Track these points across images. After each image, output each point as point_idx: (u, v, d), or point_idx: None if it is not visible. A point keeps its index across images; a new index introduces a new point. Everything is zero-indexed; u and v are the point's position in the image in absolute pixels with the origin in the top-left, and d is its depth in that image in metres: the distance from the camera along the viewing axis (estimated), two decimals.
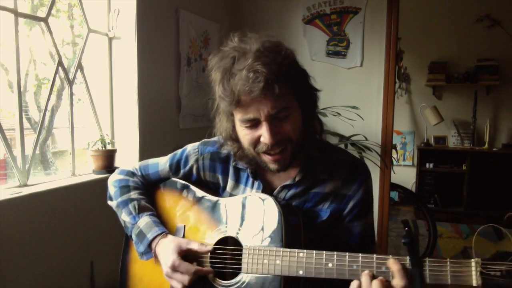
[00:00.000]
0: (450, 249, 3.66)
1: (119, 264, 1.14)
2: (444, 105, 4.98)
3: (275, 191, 1.02)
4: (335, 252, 0.85)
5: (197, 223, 1.05)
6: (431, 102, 5.00)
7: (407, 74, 5.15)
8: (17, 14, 1.56)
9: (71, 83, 1.88)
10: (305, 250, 0.87)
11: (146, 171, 1.17)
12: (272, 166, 0.94)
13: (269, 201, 0.93)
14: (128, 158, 2.03)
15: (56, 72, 1.80)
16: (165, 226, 1.05)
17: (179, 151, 1.15)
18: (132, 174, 1.17)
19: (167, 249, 0.97)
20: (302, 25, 2.85)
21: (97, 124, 2.03)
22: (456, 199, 4.86)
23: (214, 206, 1.03)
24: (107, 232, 1.83)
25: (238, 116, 0.91)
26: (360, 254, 0.83)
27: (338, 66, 2.79)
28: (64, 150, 1.98)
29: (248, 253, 0.92)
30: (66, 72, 1.85)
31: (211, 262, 0.98)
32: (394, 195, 5.06)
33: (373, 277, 0.80)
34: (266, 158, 0.94)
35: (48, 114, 1.86)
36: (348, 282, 0.84)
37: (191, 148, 1.13)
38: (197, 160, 1.10)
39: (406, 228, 0.81)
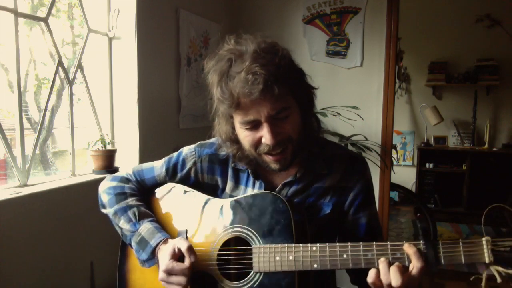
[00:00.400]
0: None
1: (116, 275, 1.11)
2: (444, 105, 4.98)
3: (277, 189, 1.02)
4: (348, 243, 0.87)
5: (200, 226, 1.03)
6: (431, 102, 5.01)
7: (407, 74, 5.15)
8: (17, 14, 1.56)
9: (71, 83, 1.88)
10: (318, 244, 0.88)
11: (141, 176, 1.14)
12: (274, 165, 0.95)
13: (276, 198, 0.94)
14: (128, 158, 2.03)
15: (56, 72, 1.80)
16: (166, 231, 1.03)
17: (175, 154, 1.13)
18: (126, 180, 1.13)
19: (163, 254, 0.95)
20: (302, 25, 2.85)
21: (97, 124, 2.03)
22: (456, 199, 4.86)
23: (218, 208, 1.02)
24: (107, 232, 1.82)
25: (238, 118, 0.91)
26: (374, 243, 0.85)
27: (338, 66, 2.79)
28: (64, 150, 1.98)
29: (259, 252, 0.92)
30: (66, 72, 1.85)
31: (218, 264, 0.97)
32: (394, 195, 5.06)
33: (389, 263, 0.83)
34: (268, 158, 0.94)
35: (48, 114, 1.85)
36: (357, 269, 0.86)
37: (187, 151, 1.11)
38: (195, 163, 1.09)
39: (418, 214, 0.85)
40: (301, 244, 0.89)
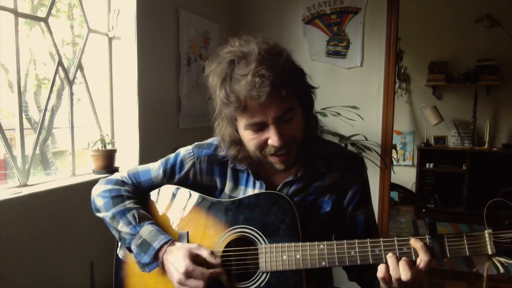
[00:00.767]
0: None
1: (112, 282, 1.09)
2: (444, 105, 4.98)
3: (278, 188, 1.03)
4: (356, 240, 0.88)
5: (202, 227, 1.02)
6: (431, 102, 5.01)
7: (407, 74, 5.15)
8: (17, 14, 1.56)
9: (71, 83, 1.88)
10: (325, 242, 0.90)
11: (137, 178, 1.12)
12: (279, 166, 0.95)
13: (280, 197, 0.95)
14: (128, 158, 2.03)
15: (56, 72, 1.80)
16: (167, 234, 1.01)
17: (172, 156, 1.12)
18: (122, 183, 1.10)
19: (177, 256, 0.93)
20: (302, 25, 2.85)
21: (97, 124, 2.03)
22: (456, 199, 4.86)
23: (220, 209, 1.01)
24: (107, 232, 1.83)
25: (243, 121, 0.91)
26: (381, 239, 0.87)
27: (338, 66, 2.79)
28: (64, 150, 1.98)
29: (265, 251, 0.92)
30: (66, 72, 1.85)
31: (223, 266, 0.96)
32: (394, 195, 5.06)
33: (397, 258, 0.85)
34: (273, 159, 0.94)
35: (48, 114, 1.85)
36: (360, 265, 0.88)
37: (185, 152, 1.10)
38: (193, 164, 1.08)
39: (424, 210, 0.89)
40: (308, 243, 0.90)
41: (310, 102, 0.98)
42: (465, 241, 0.84)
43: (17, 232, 1.45)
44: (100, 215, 1.08)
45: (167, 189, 1.10)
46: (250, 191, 1.04)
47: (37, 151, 1.74)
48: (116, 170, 1.90)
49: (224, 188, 1.08)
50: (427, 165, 4.92)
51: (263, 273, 0.93)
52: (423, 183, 4.97)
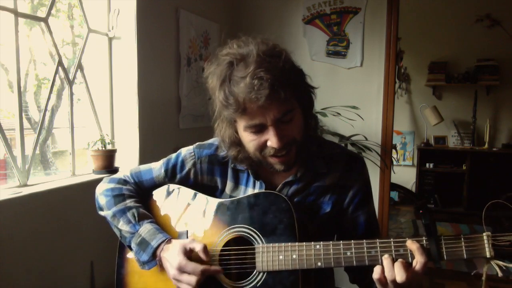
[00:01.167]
0: None
1: (114, 280, 1.10)
2: (444, 105, 4.98)
3: (278, 189, 1.03)
4: (352, 241, 0.88)
5: (201, 226, 1.03)
6: (431, 102, 5.01)
7: (407, 74, 5.15)
8: (17, 14, 1.56)
9: (71, 83, 1.88)
10: (321, 242, 0.89)
11: (139, 178, 1.13)
12: (279, 166, 0.95)
13: (278, 198, 0.94)
14: (128, 158, 2.03)
15: (56, 72, 1.80)
16: (166, 233, 1.02)
17: (173, 155, 1.13)
18: (124, 182, 1.12)
19: (172, 252, 0.95)
20: (302, 25, 2.85)
21: (97, 124, 2.03)
22: (456, 199, 4.86)
23: (218, 208, 1.02)
24: (107, 232, 1.82)
25: (242, 123, 0.91)
26: (377, 240, 0.86)
27: (338, 66, 2.79)
28: (64, 150, 1.98)
29: (262, 251, 0.92)
30: (66, 72, 1.85)
31: (220, 264, 0.97)
32: (394, 195, 5.06)
33: (393, 260, 0.84)
34: (273, 160, 0.94)
35: (48, 114, 1.86)
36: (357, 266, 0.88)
37: (186, 152, 1.11)
38: (194, 164, 1.09)
39: (421, 211, 0.87)
40: (304, 243, 0.90)
41: (310, 103, 0.98)
42: (463, 243, 0.82)
43: (17, 232, 1.45)
44: (102, 213, 1.10)
45: (168, 189, 1.10)
46: (250, 191, 1.04)
47: (37, 151, 1.75)
48: (116, 170, 1.90)
49: (225, 188, 1.08)
50: (427, 165, 4.92)
51: (259, 272, 0.93)
52: (423, 183, 4.97)
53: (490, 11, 4.66)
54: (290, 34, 2.87)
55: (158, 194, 1.12)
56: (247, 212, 0.97)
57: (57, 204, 1.62)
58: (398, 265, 0.83)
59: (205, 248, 0.94)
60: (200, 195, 1.06)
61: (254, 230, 0.96)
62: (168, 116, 2.29)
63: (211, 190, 1.09)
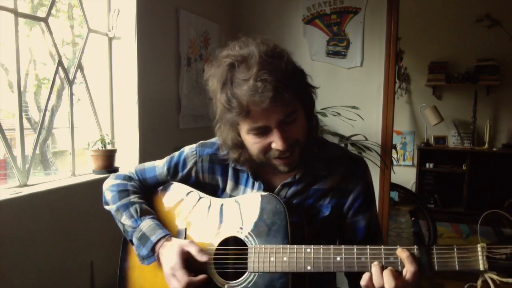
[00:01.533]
0: None
1: (117, 272, 1.12)
2: (444, 105, 4.98)
3: (276, 190, 1.02)
4: (342, 246, 0.86)
5: (199, 225, 1.04)
6: (431, 102, 5.00)
7: (407, 74, 5.15)
8: (17, 14, 1.56)
9: (71, 83, 1.88)
10: (312, 246, 0.87)
11: (143, 175, 1.15)
12: (283, 168, 0.95)
13: (273, 199, 0.94)
14: (128, 158, 2.03)
15: (56, 72, 1.80)
16: (167, 229, 1.04)
17: (176, 154, 1.14)
18: (129, 178, 1.15)
19: (170, 251, 0.97)
20: (302, 25, 2.85)
21: (97, 124, 2.03)
22: (456, 199, 4.86)
23: (216, 208, 1.03)
24: (107, 232, 1.83)
25: (245, 126, 0.90)
26: (368, 246, 0.84)
27: (338, 66, 2.79)
28: (64, 150, 1.98)
29: (254, 252, 0.92)
30: (66, 72, 1.85)
31: (215, 263, 0.98)
32: (394, 195, 5.06)
33: (382, 268, 0.82)
34: (277, 162, 0.94)
35: (48, 114, 1.86)
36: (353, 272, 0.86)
37: (188, 150, 1.12)
38: (195, 163, 1.10)
39: (413, 218, 0.83)
40: (295, 246, 0.88)
41: (311, 103, 0.98)
42: (455, 253, 0.79)
43: (17, 232, 1.45)
44: (107, 207, 1.12)
45: (171, 186, 1.12)
46: (249, 191, 1.04)
47: (37, 151, 1.74)
48: (116, 170, 1.90)
49: (225, 187, 1.08)
50: (427, 165, 4.92)
51: (251, 273, 0.93)
52: (423, 183, 4.96)
53: (490, 11, 4.66)
54: (290, 34, 2.87)
55: (161, 191, 1.14)
56: (243, 212, 0.98)
57: (57, 204, 1.62)
58: (387, 273, 0.80)
59: (201, 251, 0.95)
60: (199, 193, 1.07)
61: (249, 230, 0.95)
62: (168, 116, 2.29)
63: (213, 189, 1.10)
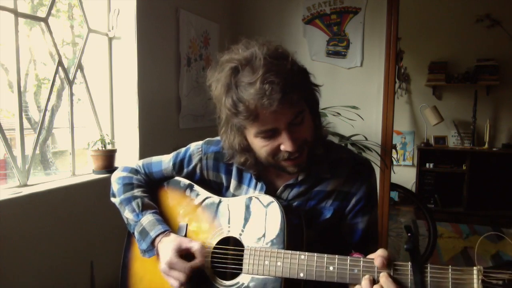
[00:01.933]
0: (450, 249, 3.66)
1: (120, 262, 1.14)
2: (444, 105, 4.98)
3: (278, 191, 1.02)
4: (336, 256, 0.84)
5: (199, 222, 1.05)
6: (431, 102, 5.01)
7: (407, 74, 5.15)
8: (17, 14, 1.56)
9: (71, 83, 1.88)
10: (306, 253, 0.86)
11: (149, 169, 1.16)
12: (292, 169, 0.94)
13: (273, 203, 0.93)
14: (128, 158, 2.03)
15: (56, 72, 1.80)
16: (168, 224, 1.05)
17: (183, 149, 1.14)
18: (135, 171, 1.16)
19: (167, 247, 0.97)
20: (302, 25, 2.85)
21: (97, 124, 2.03)
22: (456, 199, 4.86)
23: (217, 206, 1.03)
24: (107, 232, 1.83)
25: (253, 129, 0.88)
26: (361, 258, 0.82)
27: (338, 66, 2.79)
28: (64, 150, 1.98)
29: (250, 254, 0.92)
30: (66, 72, 1.85)
31: (212, 262, 0.98)
32: (394, 195, 5.06)
33: (373, 281, 0.79)
34: (286, 163, 0.93)
35: (48, 114, 1.86)
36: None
37: (194, 147, 1.12)
38: (200, 160, 1.10)
39: (409, 234, 0.80)
40: (290, 251, 0.87)
41: (316, 102, 0.98)
42: (450, 274, 0.75)
43: (17, 232, 1.45)
44: (113, 200, 1.14)
45: (176, 182, 1.13)
46: (251, 192, 1.04)
47: (37, 151, 1.75)
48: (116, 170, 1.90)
49: (229, 185, 1.08)
50: (427, 165, 4.92)
51: (245, 275, 0.93)
52: (423, 183, 4.96)
53: (490, 11, 4.66)
54: (290, 34, 2.87)
55: (165, 186, 1.15)
56: (242, 213, 0.97)
57: (57, 204, 1.62)
58: None
59: (201, 249, 0.96)
60: (202, 191, 1.08)
61: (246, 232, 0.95)
62: (168, 116, 2.29)
63: (217, 186, 1.10)
